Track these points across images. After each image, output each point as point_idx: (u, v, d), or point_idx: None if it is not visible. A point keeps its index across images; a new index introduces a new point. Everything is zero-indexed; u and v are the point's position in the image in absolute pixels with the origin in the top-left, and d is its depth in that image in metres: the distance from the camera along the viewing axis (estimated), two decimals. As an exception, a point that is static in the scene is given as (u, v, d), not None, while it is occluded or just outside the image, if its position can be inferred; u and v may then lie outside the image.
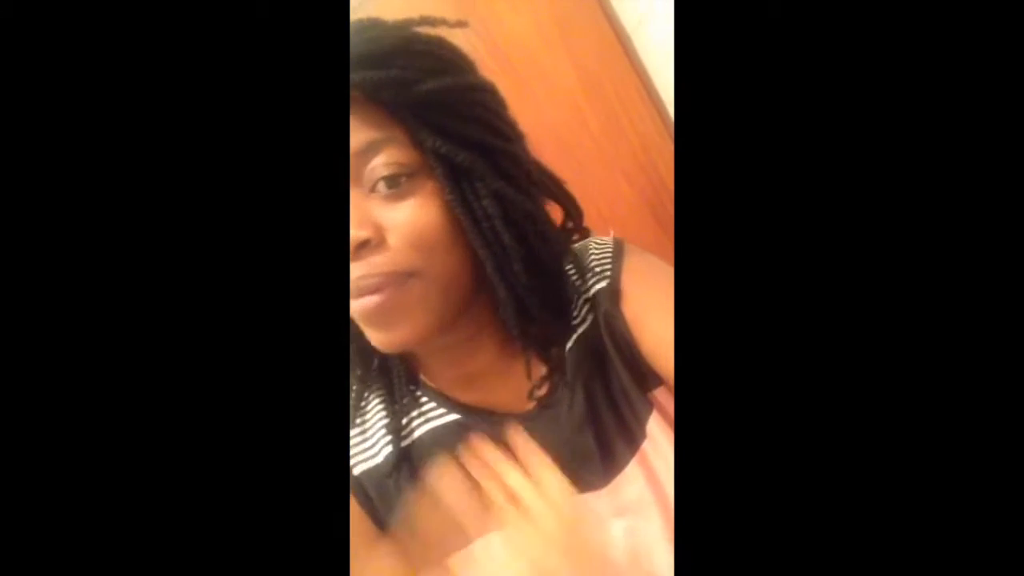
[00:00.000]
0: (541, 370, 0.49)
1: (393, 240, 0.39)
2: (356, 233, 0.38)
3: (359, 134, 0.38)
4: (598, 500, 0.46)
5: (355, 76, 0.37)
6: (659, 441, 0.46)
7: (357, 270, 0.39)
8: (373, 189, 0.39)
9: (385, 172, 0.39)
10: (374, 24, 0.41)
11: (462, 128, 0.41)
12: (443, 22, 0.44)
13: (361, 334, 0.48)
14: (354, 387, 0.51)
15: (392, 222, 0.39)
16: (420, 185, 0.40)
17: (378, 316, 0.41)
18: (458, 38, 0.44)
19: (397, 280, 0.40)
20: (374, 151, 0.39)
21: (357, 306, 0.40)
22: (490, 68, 0.45)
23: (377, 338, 0.43)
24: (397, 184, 0.39)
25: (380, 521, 0.47)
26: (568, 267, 0.53)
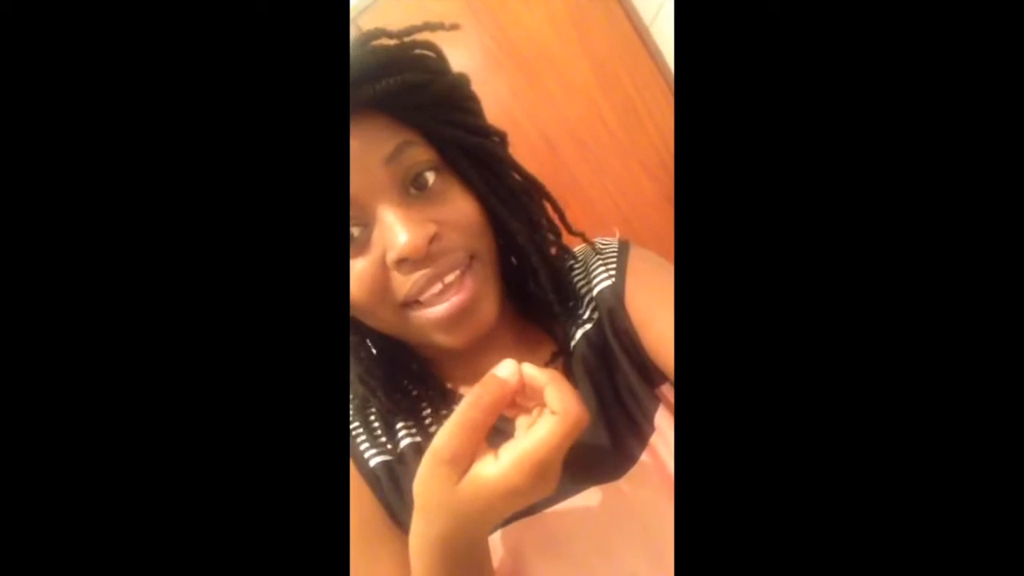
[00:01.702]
0: (553, 347, 0.50)
1: (448, 230, 0.41)
2: (425, 230, 0.39)
3: (387, 143, 0.39)
4: (613, 492, 0.46)
5: (376, 86, 0.38)
6: (668, 436, 0.47)
7: (433, 267, 0.40)
8: (407, 192, 0.40)
9: (414, 172, 0.40)
10: (379, 32, 0.41)
11: (466, 119, 0.44)
12: (440, 26, 0.44)
13: (376, 342, 0.49)
14: (362, 388, 0.52)
15: (441, 215, 0.41)
16: (445, 178, 0.42)
17: (461, 313, 0.41)
18: (471, 37, 0.46)
19: (467, 264, 0.41)
20: (400, 154, 0.40)
21: (440, 311, 0.41)
22: (505, 65, 0.46)
23: (451, 339, 0.42)
24: (424, 182, 0.41)
25: (394, 513, 0.48)
26: (575, 265, 0.54)
